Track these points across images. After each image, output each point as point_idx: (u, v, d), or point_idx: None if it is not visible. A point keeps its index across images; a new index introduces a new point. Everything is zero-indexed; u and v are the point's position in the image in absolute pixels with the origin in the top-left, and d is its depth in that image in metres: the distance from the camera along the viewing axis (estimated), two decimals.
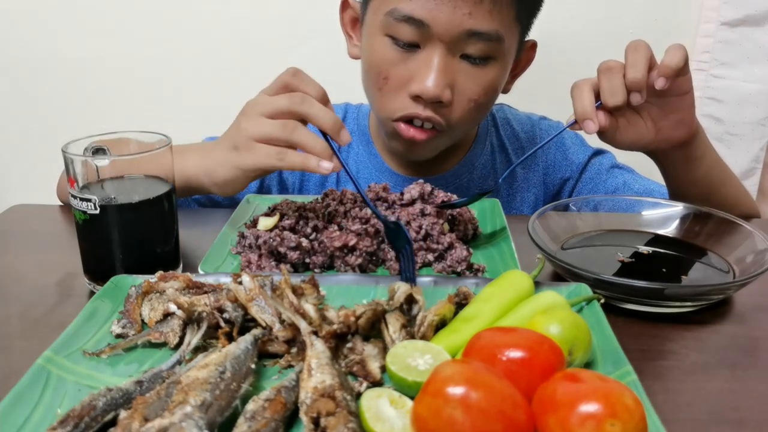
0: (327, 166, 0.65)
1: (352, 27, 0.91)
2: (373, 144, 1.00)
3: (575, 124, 0.77)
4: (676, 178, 0.89)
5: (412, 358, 0.47)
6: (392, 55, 0.79)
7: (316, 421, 0.40)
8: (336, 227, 0.69)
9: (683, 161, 0.86)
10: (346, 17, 0.92)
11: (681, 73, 0.74)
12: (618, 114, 0.78)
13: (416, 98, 0.80)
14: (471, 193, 0.77)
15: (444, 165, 0.97)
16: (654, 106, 0.79)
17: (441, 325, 0.53)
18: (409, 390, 0.45)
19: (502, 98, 0.94)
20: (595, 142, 1.11)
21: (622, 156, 1.08)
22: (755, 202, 0.97)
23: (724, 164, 0.91)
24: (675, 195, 0.92)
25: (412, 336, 0.51)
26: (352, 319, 0.50)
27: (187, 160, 0.75)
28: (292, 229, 0.69)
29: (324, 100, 0.68)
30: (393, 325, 0.51)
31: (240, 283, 0.54)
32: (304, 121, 0.68)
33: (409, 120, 0.82)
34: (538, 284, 0.58)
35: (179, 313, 0.53)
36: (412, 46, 0.79)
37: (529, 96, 1.12)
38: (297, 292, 0.54)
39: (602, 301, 0.56)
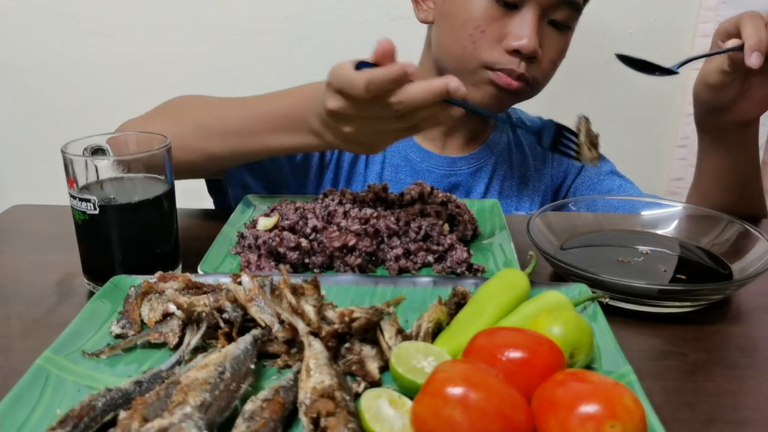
0: (459, 90, 0.60)
1: None
2: None
3: (738, 51, 0.74)
4: (715, 161, 0.90)
5: (417, 359, 0.46)
6: (492, 12, 0.86)
7: (316, 422, 0.40)
8: (335, 227, 0.69)
9: (735, 143, 0.88)
10: None
11: None
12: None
13: (513, 53, 0.86)
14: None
15: (466, 149, 1.03)
16: (762, 75, 0.78)
17: (437, 328, 0.53)
18: (416, 392, 0.45)
19: None
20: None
21: (621, 166, 1.09)
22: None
23: (759, 160, 0.92)
24: (701, 187, 0.93)
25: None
26: (347, 319, 0.50)
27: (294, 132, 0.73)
28: (292, 230, 0.69)
29: (408, 75, 0.59)
30: (388, 331, 0.51)
31: (239, 283, 0.54)
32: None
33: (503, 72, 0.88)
34: (533, 282, 0.58)
35: (179, 313, 0.53)
36: (510, 6, 0.85)
37: None
38: (297, 292, 0.54)
39: (607, 300, 0.56)
